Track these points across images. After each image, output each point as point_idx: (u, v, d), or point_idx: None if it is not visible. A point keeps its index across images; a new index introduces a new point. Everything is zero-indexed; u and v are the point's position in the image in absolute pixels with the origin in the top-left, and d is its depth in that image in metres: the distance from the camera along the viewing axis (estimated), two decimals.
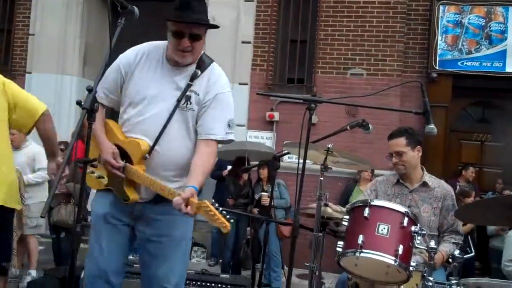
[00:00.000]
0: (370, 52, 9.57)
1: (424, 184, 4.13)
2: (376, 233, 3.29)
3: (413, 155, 4.13)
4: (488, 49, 9.46)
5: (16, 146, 7.30)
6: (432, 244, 3.37)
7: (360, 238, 3.25)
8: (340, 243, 3.41)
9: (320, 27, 9.81)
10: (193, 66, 3.10)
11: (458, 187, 8.71)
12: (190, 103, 3.07)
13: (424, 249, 3.37)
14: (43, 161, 7.22)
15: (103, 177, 3.17)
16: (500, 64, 9.38)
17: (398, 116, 8.76)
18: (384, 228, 3.29)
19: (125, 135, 3.12)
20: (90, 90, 2.53)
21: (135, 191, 3.10)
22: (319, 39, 9.79)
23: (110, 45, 2.60)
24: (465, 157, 9.84)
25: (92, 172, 3.17)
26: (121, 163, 3.02)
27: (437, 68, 9.50)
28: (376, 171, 8.00)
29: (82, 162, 2.64)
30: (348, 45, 9.66)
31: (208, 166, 3.06)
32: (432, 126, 3.44)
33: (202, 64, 3.13)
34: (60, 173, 2.51)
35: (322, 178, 3.87)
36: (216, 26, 3.12)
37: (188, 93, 3.05)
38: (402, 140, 4.11)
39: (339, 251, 3.37)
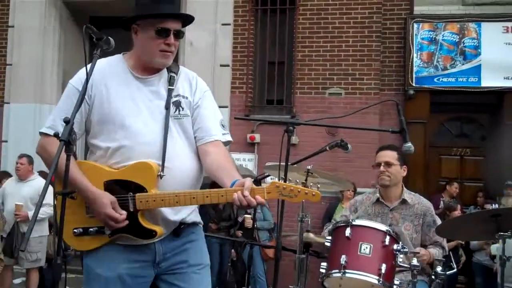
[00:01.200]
0: (347, 71, 9.66)
1: (404, 201, 4.14)
2: (358, 253, 3.31)
3: (400, 171, 4.16)
4: (463, 64, 9.59)
5: (22, 178, 7.31)
6: (415, 262, 3.39)
7: (343, 258, 3.27)
8: (324, 264, 3.42)
9: (297, 48, 9.90)
10: (165, 71, 2.77)
11: (442, 202, 8.78)
12: (182, 108, 2.74)
13: (407, 267, 3.38)
14: (47, 196, 7.15)
15: (103, 230, 2.63)
16: (475, 79, 9.52)
17: (377, 135, 8.82)
18: (366, 248, 3.31)
19: (117, 167, 2.64)
20: (67, 121, 2.50)
21: (155, 224, 2.65)
22: (297, 60, 9.87)
23: (86, 78, 2.58)
24: (445, 172, 9.92)
25: (85, 233, 2.65)
26: (124, 213, 2.56)
27: (413, 85, 9.60)
28: (358, 189, 8.03)
29: (61, 193, 2.61)
30: (326, 65, 9.75)
31: (233, 162, 2.77)
32: (409, 144, 3.48)
33: (173, 67, 2.80)
34: (39, 204, 2.47)
35: (304, 200, 3.88)
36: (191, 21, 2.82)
37: (174, 98, 2.72)
38: (394, 154, 4.15)
39: (323, 272, 3.38)
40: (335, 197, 8.99)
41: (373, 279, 3.18)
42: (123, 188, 2.59)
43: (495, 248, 6.18)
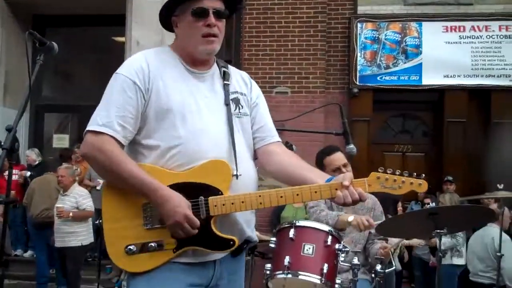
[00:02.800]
0: (293, 70, 9.81)
1: None
2: (302, 253, 3.38)
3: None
4: (405, 63, 9.87)
5: None
6: (356, 261, 3.51)
7: (287, 259, 3.33)
8: (268, 265, 3.48)
9: (244, 48, 9.97)
10: (215, 65, 2.48)
11: None
12: (242, 106, 2.45)
13: (348, 265, 3.49)
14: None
15: (166, 243, 2.23)
16: (417, 77, 9.81)
17: (322, 134, 8.96)
18: (309, 248, 3.38)
19: (181, 170, 2.26)
20: (9, 129, 2.48)
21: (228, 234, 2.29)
22: (244, 59, 9.94)
23: (29, 84, 2.56)
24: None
25: (142, 249, 2.23)
26: (197, 220, 2.20)
27: (357, 83, 9.82)
28: None
29: (2, 202, 2.59)
30: (272, 64, 9.87)
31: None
32: (352, 146, 3.60)
33: (221, 62, 2.53)
34: None
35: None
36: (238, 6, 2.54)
37: (233, 95, 2.44)
38: (342, 154, 4.24)
39: (267, 273, 3.44)
40: None
41: (315, 279, 3.25)
42: (191, 192, 2.23)
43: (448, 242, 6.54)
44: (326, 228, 3.51)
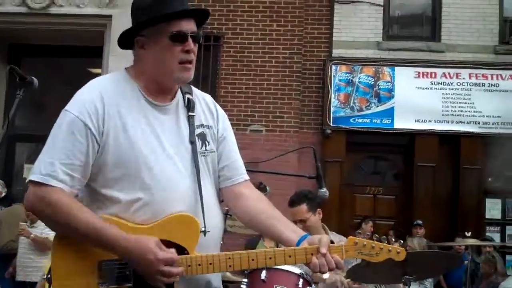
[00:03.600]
0: (268, 109, 9.89)
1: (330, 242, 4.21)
2: None
3: (316, 219, 4.19)
4: (377, 106, 10.04)
5: None
6: None
7: None
8: None
9: (220, 85, 10.05)
10: (179, 92, 2.20)
11: None
12: (208, 142, 2.20)
13: None
14: None
15: None
16: (388, 121, 9.98)
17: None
18: None
19: (146, 224, 2.02)
20: None
21: None
22: (220, 96, 9.98)
23: (8, 119, 2.54)
24: (359, 210, 10.21)
25: None
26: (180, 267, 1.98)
27: (331, 124, 9.97)
28: None
29: None
30: (248, 102, 9.95)
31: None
32: (324, 190, 3.62)
33: (185, 88, 2.24)
34: None
35: (222, 243, 3.93)
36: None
37: (199, 130, 2.18)
38: (303, 207, 4.19)
39: None
40: (256, 234, 9.04)
41: None
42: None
43: None
44: (297, 270, 3.50)
